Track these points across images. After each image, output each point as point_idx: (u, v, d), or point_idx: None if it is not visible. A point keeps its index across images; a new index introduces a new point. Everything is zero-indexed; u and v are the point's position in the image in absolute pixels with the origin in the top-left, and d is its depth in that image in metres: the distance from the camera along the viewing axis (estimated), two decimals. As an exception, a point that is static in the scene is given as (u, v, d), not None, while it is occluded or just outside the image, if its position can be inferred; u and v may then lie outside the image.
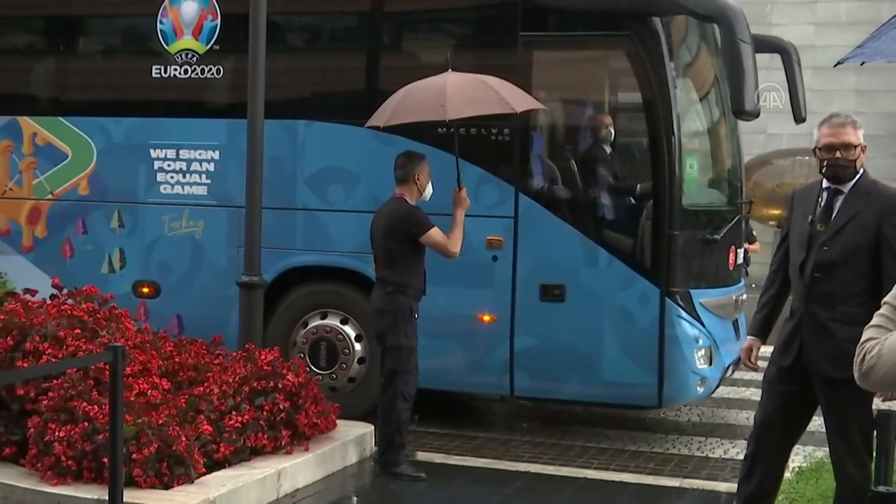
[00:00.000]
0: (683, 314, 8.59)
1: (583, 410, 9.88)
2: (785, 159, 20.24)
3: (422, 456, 8.12)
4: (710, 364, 8.72)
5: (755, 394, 9.97)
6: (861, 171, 5.70)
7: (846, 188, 5.66)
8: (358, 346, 9.19)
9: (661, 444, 9.08)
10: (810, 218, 5.70)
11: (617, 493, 7.52)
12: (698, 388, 8.74)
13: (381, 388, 7.81)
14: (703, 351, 8.66)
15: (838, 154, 5.60)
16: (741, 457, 8.33)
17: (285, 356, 8.95)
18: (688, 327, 8.61)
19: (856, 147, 5.62)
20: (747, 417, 9.81)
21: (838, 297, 5.59)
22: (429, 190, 7.88)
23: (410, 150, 8.07)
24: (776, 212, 18.65)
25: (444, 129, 8.27)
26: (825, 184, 5.73)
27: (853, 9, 21.16)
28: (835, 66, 10.87)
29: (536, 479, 7.79)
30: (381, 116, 7.90)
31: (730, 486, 7.42)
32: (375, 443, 8.03)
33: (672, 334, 8.53)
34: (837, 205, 5.66)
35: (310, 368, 9.09)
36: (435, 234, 7.66)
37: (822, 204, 5.70)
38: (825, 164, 5.65)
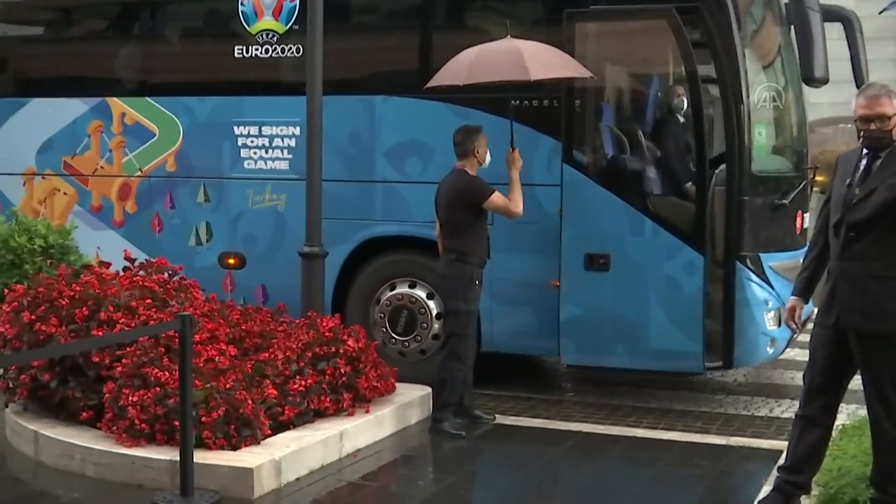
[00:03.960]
0: (754, 277, 8.08)
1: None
2: (827, 127, 19.60)
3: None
4: (780, 326, 8.15)
5: (799, 354, 9.65)
6: None
7: (884, 153, 5.35)
8: (436, 324, 8.75)
9: (709, 404, 8.72)
10: (848, 181, 5.44)
11: (665, 450, 7.26)
12: (768, 349, 8.27)
13: (440, 348, 7.60)
14: (772, 313, 8.16)
15: (873, 125, 5.33)
16: (786, 415, 8.16)
17: (367, 320, 8.72)
18: (758, 290, 8.10)
19: (890, 117, 5.32)
20: (792, 377, 9.52)
21: (871, 256, 5.32)
22: (487, 159, 7.61)
23: (467, 125, 7.82)
24: (819, 178, 18.03)
25: (512, 98, 7.82)
26: (864, 150, 5.46)
27: (893, -19, 20.36)
28: (880, 12, 10.24)
29: (587, 439, 7.54)
30: (455, 76, 7.52)
31: (774, 444, 7.25)
32: (432, 405, 7.86)
33: (743, 297, 8.03)
34: (874, 169, 5.39)
35: (385, 331, 8.85)
36: (496, 197, 7.43)
37: (862, 168, 5.43)
38: (861, 134, 5.40)
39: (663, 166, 8.58)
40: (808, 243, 5.87)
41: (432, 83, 7.76)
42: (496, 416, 7.96)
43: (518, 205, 7.51)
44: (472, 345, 7.56)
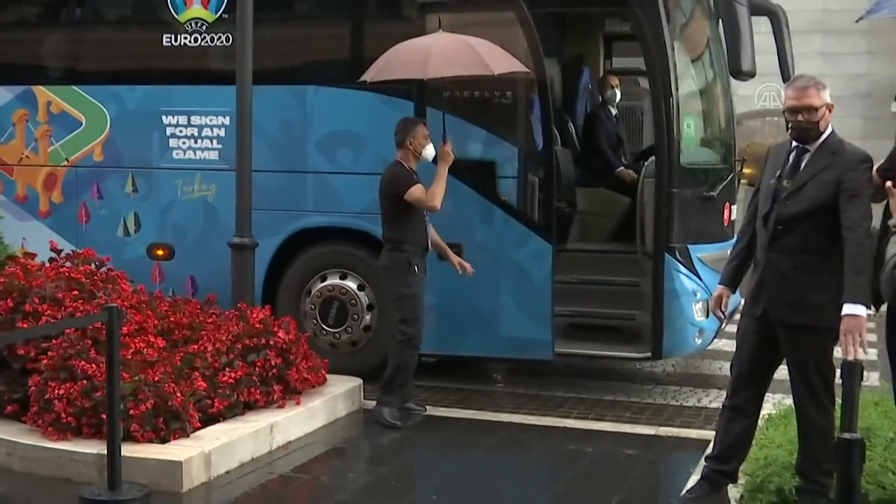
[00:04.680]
0: (682, 269, 8.17)
1: (561, 363, 9.42)
2: (755, 120, 19.93)
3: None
4: (707, 317, 8.25)
5: (726, 345, 9.69)
6: (829, 130, 5.44)
7: (812, 147, 5.45)
8: (367, 316, 8.75)
9: (638, 394, 8.81)
10: (778, 173, 5.50)
11: (596, 440, 7.33)
12: (696, 340, 8.39)
13: (391, 337, 7.64)
14: (700, 304, 8.24)
15: (800, 116, 5.40)
16: (714, 405, 8.26)
17: (297, 311, 8.69)
18: (686, 281, 8.19)
19: (818, 108, 5.40)
20: (720, 367, 9.64)
21: (798, 248, 5.39)
22: (429, 151, 7.62)
23: (407, 117, 7.91)
24: (747, 171, 18.28)
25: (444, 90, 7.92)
26: (794, 143, 5.50)
27: (818, -27, 20.74)
28: (857, 21, 10.46)
29: (519, 430, 7.58)
30: (370, 72, 7.71)
31: (702, 433, 7.30)
32: (364, 396, 7.91)
33: (671, 288, 8.13)
34: (804, 162, 5.46)
35: (316, 323, 8.80)
36: (414, 190, 7.47)
37: (791, 161, 5.50)
38: (790, 125, 5.47)
39: (507, 155, 8.51)
40: (736, 234, 5.91)
41: (378, 76, 7.70)
42: (427, 407, 7.97)
43: (435, 198, 7.50)
44: (420, 329, 7.57)
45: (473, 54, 7.57)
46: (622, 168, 9.56)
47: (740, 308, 6.01)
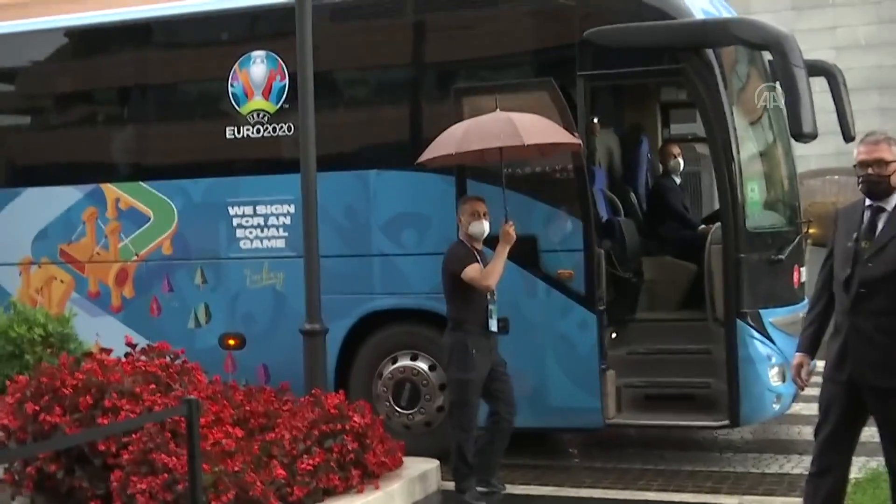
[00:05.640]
0: (755, 334, 8.09)
1: (637, 434, 9.53)
2: (815, 179, 19.77)
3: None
4: (784, 381, 8.16)
5: (805, 408, 9.67)
6: None
7: (889, 206, 5.41)
8: (440, 396, 8.74)
9: (717, 463, 8.68)
10: (855, 235, 5.45)
11: (678, 512, 7.22)
12: (774, 406, 8.26)
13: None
14: (776, 369, 8.16)
15: (871, 170, 5.40)
16: (796, 471, 8.13)
17: (370, 394, 8.69)
18: (760, 347, 8.10)
19: (889, 163, 5.40)
20: (798, 432, 9.51)
21: (882, 311, 5.31)
22: (475, 228, 7.55)
23: (463, 196, 7.97)
24: (812, 231, 18.17)
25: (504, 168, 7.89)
26: (867, 202, 5.51)
27: (872, 32, 20.67)
28: None
29: (600, 505, 7.49)
30: (445, 147, 7.65)
31: (787, 501, 7.24)
32: (441, 477, 7.86)
33: (746, 354, 8.03)
34: (881, 223, 5.42)
35: (389, 405, 8.82)
36: (469, 270, 7.42)
37: (866, 222, 5.47)
38: (860, 179, 5.47)
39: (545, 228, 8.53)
40: (811, 298, 5.86)
41: (424, 157, 7.83)
42: (506, 485, 7.91)
43: (488, 278, 7.40)
44: (473, 413, 7.51)
45: (553, 125, 7.69)
46: (703, 226, 9.50)
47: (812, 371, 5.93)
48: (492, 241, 7.61)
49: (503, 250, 7.48)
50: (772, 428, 9.72)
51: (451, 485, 7.70)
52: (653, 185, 10.12)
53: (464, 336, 7.46)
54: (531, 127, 7.52)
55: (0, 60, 10.54)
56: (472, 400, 7.48)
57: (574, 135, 7.94)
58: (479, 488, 7.57)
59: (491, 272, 7.44)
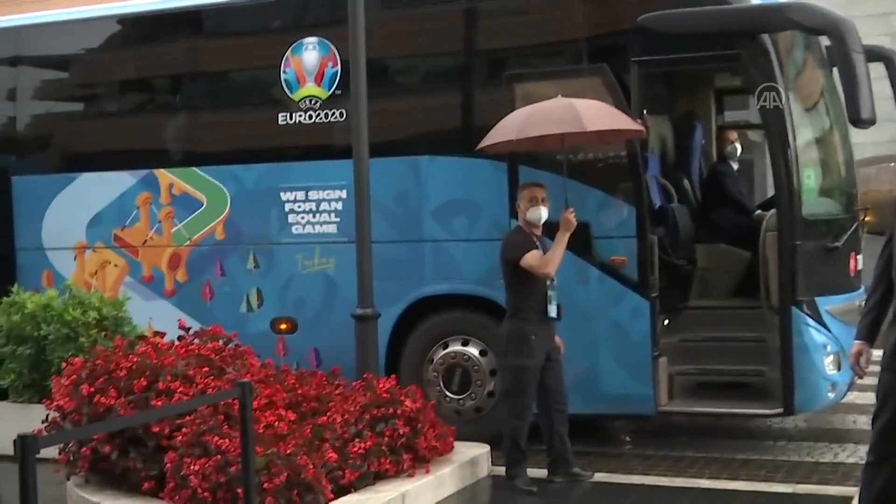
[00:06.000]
0: (811, 322, 8.00)
1: (688, 422, 9.43)
2: (870, 167, 19.48)
3: (535, 472, 7.67)
4: (839, 370, 8.09)
5: (859, 397, 9.56)
6: None
7: None
8: (491, 382, 8.75)
9: (771, 452, 8.59)
10: None
11: (732, 500, 7.12)
12: (829, 394, 8.17)
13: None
14: (832, 357, 8.07)
15: None
16: (851, 460, 8.04)
17: (420, 379, 8.73)
18: (816, 335, 8.01)
19: None
20: (853, 421, 9.40)
21: None
22: (534, 214, 7.46)
23: (523, 182, 7.90)
24: (868, 219, 17.97)
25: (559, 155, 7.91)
26: None
27: (927, 19, 20.40)
28: None
29: (651, 492, 7.41)
30: (506, 133, 7.58)
31: (842, 490, 7.15)
32: (491, 462, 7.84)
33: (801, 342, 7.95)
34: None
35: (440, 390, 8.84)
36: (528, 256, 7.34)
37: None
38: None
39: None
40: (869, 285, 5.75)
41: (484, 143, 7.79)
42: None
43: (548, 265, 7.32)
44: (529, 401, 7.46)
45: (615, 111, 7.67)
46: (759, 212, 9.40)
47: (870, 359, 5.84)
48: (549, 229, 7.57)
49: (563, 237, 7.39)
50: (826, 417, 9.62)
51: (501, 470, 7.67)
52: (709, 170, 10.03)
53: (521, 323, 7.41)
54: (593, 113, 7.44)
55: (56, 48, 10.65)
56: (529, 387, 7.43)
57: (637, 121, 7.89)
58: (557, 480, 7.59)
59: (551, 259, 7.37)
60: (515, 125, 7.55)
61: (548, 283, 7.44)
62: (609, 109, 7.77)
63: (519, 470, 7.50)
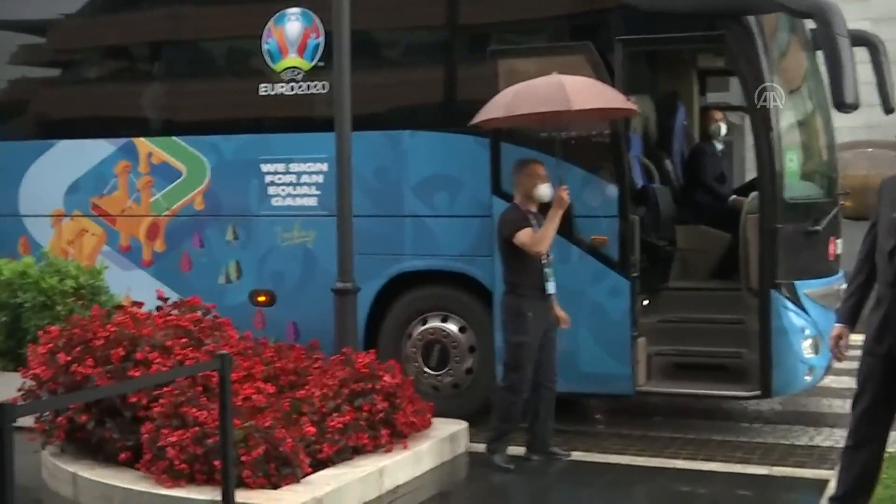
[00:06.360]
0: (790, 305, 8.01)
1: (664, 403, 9.44)
2: (846, 151, 19.58)
3: (514, 450, 7.70)
4: (817, 353, 8.12)
5: (835, 381, 9.55)
6: None
7: None
8: (469, 358, 8.75)
9: (747, 433, 8.62)
10: None
11: (708, 481, 7.16)
12: (807, 378, 8.19)
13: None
14: (810, 341, 8.08)
15: None
16: (826, 444, 8.09)
17: (399, 354, 8.70)
18: (795, 318, 8.02)
19: None
20: (829, 405, 9.43)
21: None
22: (542, 191, 7.47)
23: (520, 159, 7.78)
24: (846, 203, 18.02)
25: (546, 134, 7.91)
26: None
27: (907, 3, 20.46)
28: None
29: (627, 471, 7.46)
30: (495, 110, 7.54)
31: (817, 473, 7.20)
32: (469, 439, 7.86)
33: (780, 325, 7.96)
34: None
35: (418, 366, 8.82)
36: (521, 234, 7.36)
37: None
38: None
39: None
40: (852, 270, 5.77)
41: (476, 119, 7.74)
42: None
43: (539, 243, 7.34)
44: (526, 377, 7.45)
45: (608, 89, 7.67)
46: (735, 196, 9.42)
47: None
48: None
49: (556, 215, 7.38)
50: (802, 400, 9.64)
51: (479, 447, 7.70)
52: (690, 150, 10.02)
53: (518, 300, 7.43)
54: (582, 92, 7.40)
55: (34, 13, 10.51)
56: (526, 363, 7.44)
57: (629, 99, 7.87)
58: (535, 457, 7.62)
59: (543, 237, 7.37)
60: (505, 102, 7.53)
61: (543, 259, 7.44)
62: (602, 87, 7.75)
63: (500, 445, 7.52)
